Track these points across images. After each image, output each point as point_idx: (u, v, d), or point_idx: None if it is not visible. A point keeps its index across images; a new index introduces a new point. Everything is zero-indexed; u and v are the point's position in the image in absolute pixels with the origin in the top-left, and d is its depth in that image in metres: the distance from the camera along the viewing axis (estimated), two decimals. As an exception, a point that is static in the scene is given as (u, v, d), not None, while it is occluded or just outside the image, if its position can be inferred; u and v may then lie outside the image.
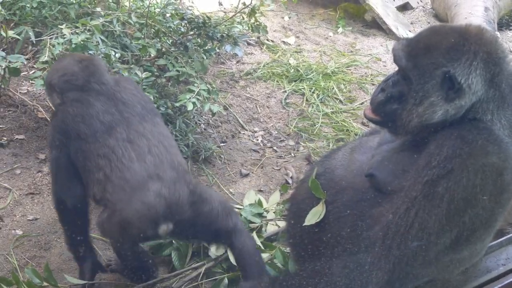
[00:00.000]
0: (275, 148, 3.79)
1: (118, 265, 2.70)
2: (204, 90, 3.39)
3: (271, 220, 2.95)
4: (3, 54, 3.20)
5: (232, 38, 3.89)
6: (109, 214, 2.40)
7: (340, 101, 4.30)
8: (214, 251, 2.71)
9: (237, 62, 4.63)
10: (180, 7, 4.01)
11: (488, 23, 5.03)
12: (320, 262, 1.98)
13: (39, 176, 3.23)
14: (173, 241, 2.74)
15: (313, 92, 4.32)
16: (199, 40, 3.88)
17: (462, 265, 2.02)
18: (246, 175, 3.50)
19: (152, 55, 3.67)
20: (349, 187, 2.09)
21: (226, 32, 3.87)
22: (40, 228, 2.94)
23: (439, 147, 1.84)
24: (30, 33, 3.44)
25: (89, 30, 3.31)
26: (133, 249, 2.48)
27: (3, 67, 3.15)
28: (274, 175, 3.52)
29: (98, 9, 3.75)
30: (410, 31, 5.55)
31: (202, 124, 3.81)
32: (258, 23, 4.08)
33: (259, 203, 3.04)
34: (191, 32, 3.80)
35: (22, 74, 3.56)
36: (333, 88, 4.38)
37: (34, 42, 3.48)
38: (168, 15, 3.85)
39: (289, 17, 5.40)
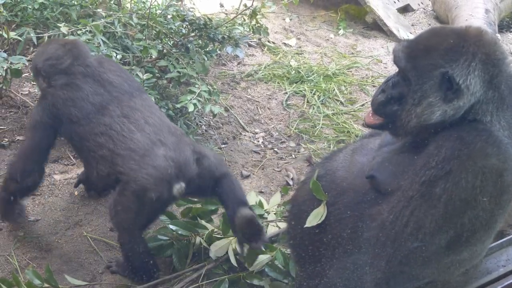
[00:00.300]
0: (276, 149, 3.80)
1: (118, 266, 2.71)
2: (205, 91, 3.40)
3: (272, 221, 2.95)
4: (5, 55, 3.21)
5: (233, 39, 3.90)
6: (122, 188, 2.52)
7: (341, 102, 4.30)
8: (214, 252, 2.72)
9: (238, 63, 4.64)
10: (182, 8, 4.02)
11: (488, 25, 5.02)
12: (320, 264, 1.98)
13: (40, 177, 3.23)
14: (174, 242, 2.75)
15: (314, 94, 4.32)
16: (200, 41, 3.89)
17: (462, 267, 2.01)
18: (247, 177, 3.51)
19: (153, 57, 3.68)
20: (350, 188, 2.09)
21: (227, 34, 3.88)
22: (41, 229, 2.94)
23: (438, 148, 1.84)
24: (31, 34, 3.45)
25: (90, 31, 3.32)
26: (148, 223, 2.67)
27: (4, 68, 3.15)
28: (275, 177, 3.52)
29: (100, 10, 3.76)
30: (411, 33, 5.55)
31: (203, 126, 3.81)
32: (259, 24, 4.09)
33: (260, 205, 3.03)
34: (192, 34, 3.81)
35: (23, 75, 3.56)
36: (334, 90, 4.39)
37: (36, 43, 3.49)
38: (169, 16, 3.86)
39: (290, 19, 5.40)
